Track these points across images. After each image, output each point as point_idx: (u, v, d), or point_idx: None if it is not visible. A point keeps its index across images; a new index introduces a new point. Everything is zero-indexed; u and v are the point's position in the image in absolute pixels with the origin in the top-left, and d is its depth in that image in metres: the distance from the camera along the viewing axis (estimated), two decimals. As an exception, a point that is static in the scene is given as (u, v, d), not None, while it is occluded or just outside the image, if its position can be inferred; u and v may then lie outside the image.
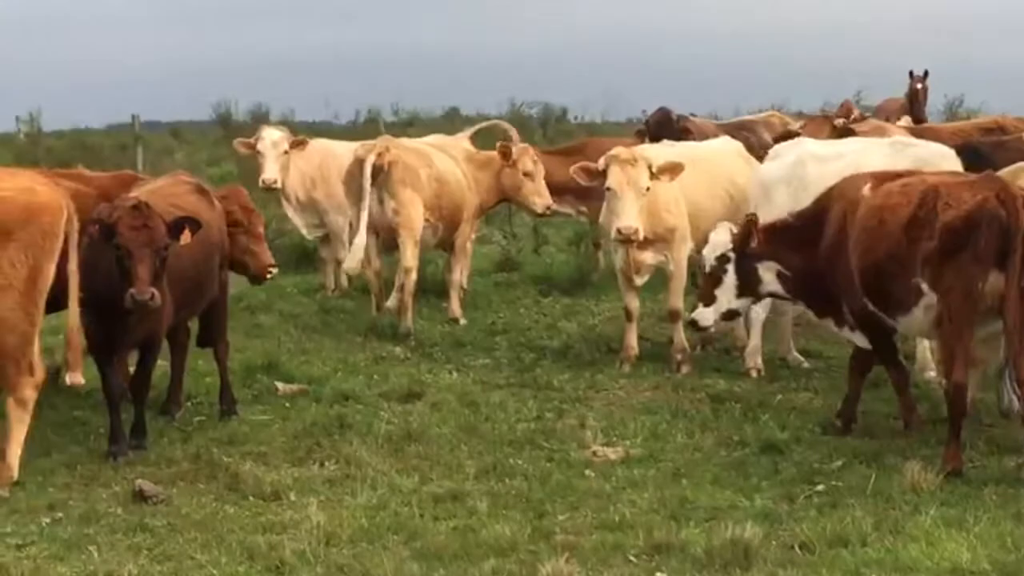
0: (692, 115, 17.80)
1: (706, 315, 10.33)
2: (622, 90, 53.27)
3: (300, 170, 15.94)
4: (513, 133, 15.92)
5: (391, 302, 14.29)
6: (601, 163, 11.77)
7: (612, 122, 36.39)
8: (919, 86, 24.46)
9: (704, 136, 15.77)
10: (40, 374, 9.05)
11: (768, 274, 10.10)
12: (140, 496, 8.83)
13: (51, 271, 8.97)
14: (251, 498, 8.84)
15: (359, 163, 13.67)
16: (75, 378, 9.18)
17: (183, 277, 9.78)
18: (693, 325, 10.57)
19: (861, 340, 9.85)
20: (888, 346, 9.85)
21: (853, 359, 10.16)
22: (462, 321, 14.26)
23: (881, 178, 9.73)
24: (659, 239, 11.89)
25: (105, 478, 9.27)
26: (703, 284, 10.47)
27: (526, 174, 14.39)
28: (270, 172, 15.64)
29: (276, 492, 8.89)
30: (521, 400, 11.20)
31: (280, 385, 11.49)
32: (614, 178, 11.60)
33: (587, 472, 9.26)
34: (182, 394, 10.88)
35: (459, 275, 14.69)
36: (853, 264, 9.48)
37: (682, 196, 12.01)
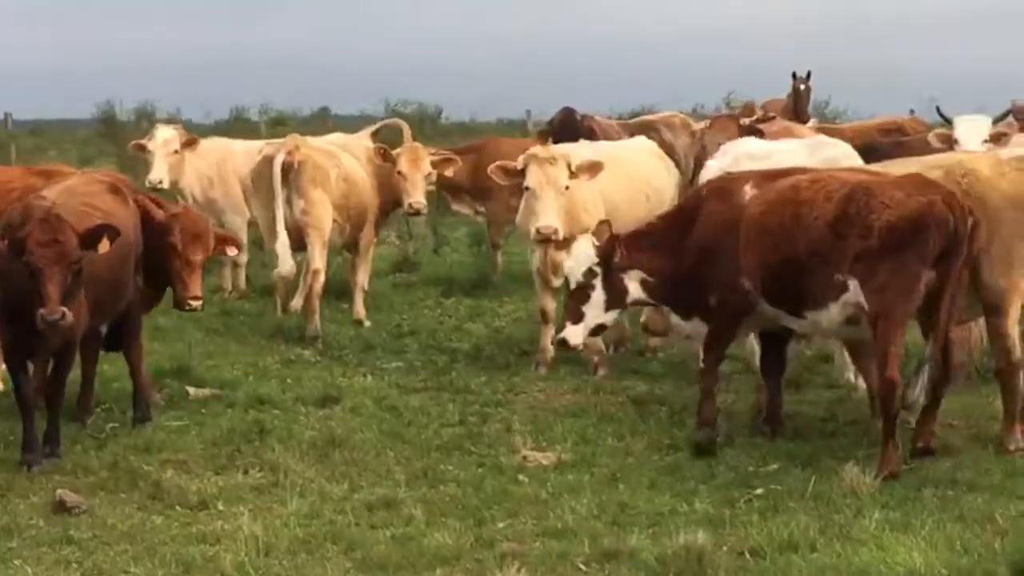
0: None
1: (575, 332, 10.02)
2: (491, 93, 53.08)
3: (197, 169, 15.62)
4: (406, 131, 15.68)
5: (295, 303, 14.01)
6: (520, 162, 11.63)
7: (482, 122, 36.45)
8: (802, 87, 24.63)
9: (608, 136, 15.71)
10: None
11: (633, 283, 9.97)
12: (61, 507, 8.52)
13: None
14: (177, 508, 8.58)
15: (268, 161, 13.41)
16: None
17: (98, 282, 9.43)
18: (563, 344, 10.18)
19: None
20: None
21: (762, 362, 10.13)
22: (367, 323, 14.07)
23: (764, 177, 9.73)
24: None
25: (21, 488, 8.95)
26: (570, 301, 10.06)
27: (399, 173, 14.08)
28: (157, 172, 15.29)
29: (203, 501, 8.65)
30: (441, 404, 11.02)
31: (191, 390, 11.22)
32: (533, 177, 11.46)
33: (520, 477, 9.11)
34: (92, 400, 10.54)
35: (363, 277, 14.45)
36: (747, 262, 9.40)
37: (599, 196, 11.89)
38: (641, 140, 13.78)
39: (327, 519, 8.33)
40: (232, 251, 11.46)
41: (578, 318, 9.76)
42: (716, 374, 9.92)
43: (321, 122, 36.09)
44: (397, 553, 7.67)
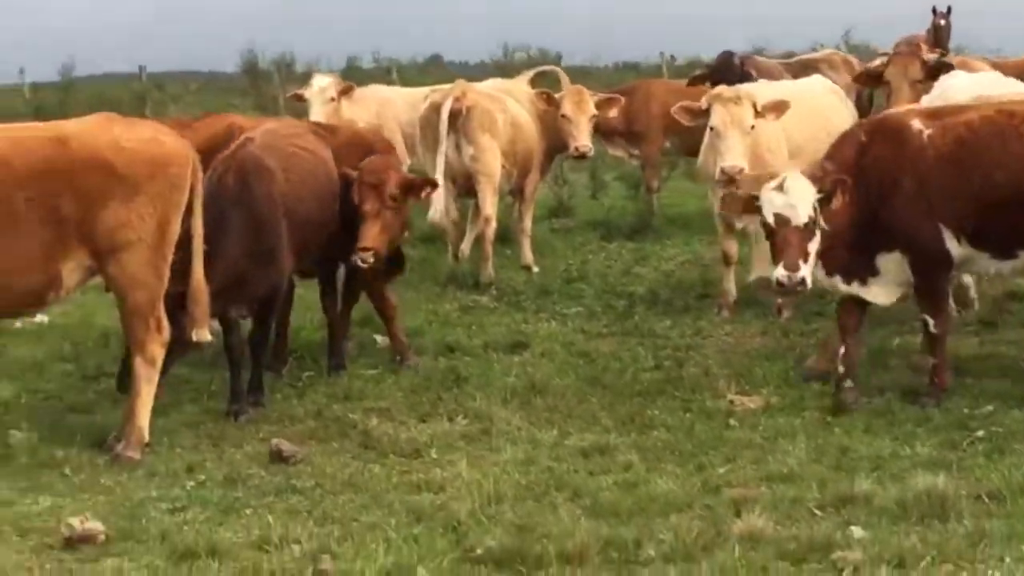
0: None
1: (804, 271, 8.93)
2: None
3: (355, 117, 15.57)
4: (564, 77, 15.53)
5: (464, 249, 13.99)
6: (703, 102, 11.46)
7: (600, 67, 36.21)
8: (942, 22, 24.05)
9: (770, 77, 15.42)
10: (167, 332, 8.73)
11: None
12: (279, 456, 8.56)
13: (178, 225, 8.66)
14: (391, 456, 8.58)
15: (435, 108, 13.36)
16: (201, 335, 8.83)
17: (305, 225, 9.53)
18: (786, 284, 9.01)
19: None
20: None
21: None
22: (535, 268, 14.00)
23: (930, 114, 9.48)
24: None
25: (234, 438, 9.02)
26: (793, 238, 8.93)
27: (564, 116, 13.97)
28: (315, 120, 15.26)
29: (416, 449, 8.67)
30: (631, 349, 10.95)
31: (378, 338, 11.20)
32: (718, 117, 11.29)
33: (731, 422, 9.01)
34: (287, 349, 10.58)
35: (529, 222, 14.39)
36: (942, 204, 9.13)
37: (783, 136, 11.71)
38: (817, 79, 13.56)
39: (544, 466, 8.30)
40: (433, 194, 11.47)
41: (805, 256, 8.97)
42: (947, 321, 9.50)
43: (435, 69, 36.12)
44: (625, 500, 7.60)
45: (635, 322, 11.79)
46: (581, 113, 14.00)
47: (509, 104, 13.85)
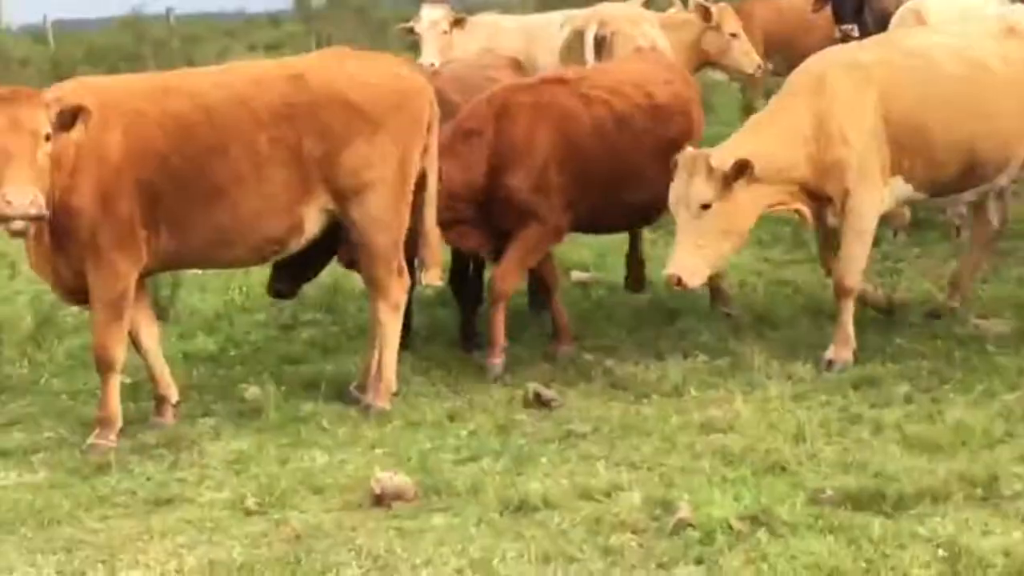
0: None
1: None
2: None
3: (466, 50, 15.16)
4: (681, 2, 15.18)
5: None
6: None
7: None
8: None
9: (892, -8, 15.02)
10: (407, 277, 8.43)
11: None
12: (538, 400, 8.28)
13: (418, 163, 8.31)
14: (653, 396, 8.30)
15: (579, 35, 12.98)
16: (431, 278, 8.54)
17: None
18: None
19: None
20: None
21: None
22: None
23: None
24: None
25: (471, 384, 8.72)
26: None
27: (732, 34, 13.69)
28: (428, 54, 14.79)
29: (675, 388, 8.40)
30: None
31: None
32: None
33: (988, 347, 8.76)
34: None
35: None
36: None
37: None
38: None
39: (820, 400, 8.10)
40: None
41: None
42: None
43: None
44: (935, 433, 7.35)
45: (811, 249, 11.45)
46: (743, 29, 13.77)
47: (646, 28, 13.47)
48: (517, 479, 7.09)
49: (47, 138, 7.32)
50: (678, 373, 8.60)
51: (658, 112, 9.16)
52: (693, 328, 9.49)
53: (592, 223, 9.38)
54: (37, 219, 7.25)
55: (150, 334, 8.24)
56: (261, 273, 10.37)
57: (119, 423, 7.97)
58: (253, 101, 7.97)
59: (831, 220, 8.71)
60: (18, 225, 7.25)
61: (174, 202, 7.79)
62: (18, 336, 9.81)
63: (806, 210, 8.61)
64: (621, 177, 8.94)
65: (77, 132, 7.44)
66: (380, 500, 6.88)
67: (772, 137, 8.47)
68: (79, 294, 7.92)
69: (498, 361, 8.82)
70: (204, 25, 35.41)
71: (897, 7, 14.69)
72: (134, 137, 7.72)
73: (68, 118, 7.39)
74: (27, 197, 7.12)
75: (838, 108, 8.47)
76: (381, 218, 8.21)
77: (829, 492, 6.58)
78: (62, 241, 7.72)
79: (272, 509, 6.88)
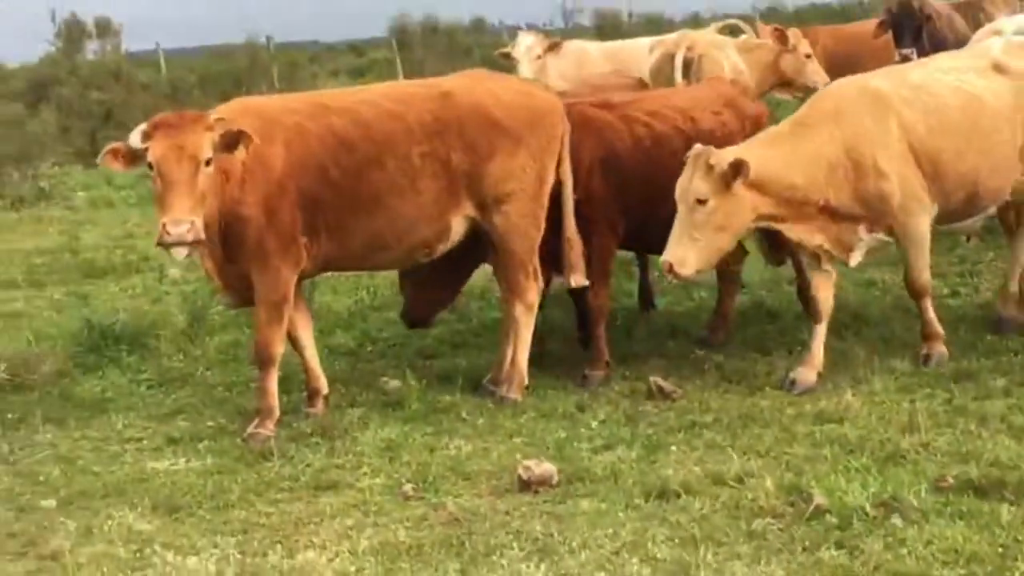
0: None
1: None
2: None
3: (562, 74, 14.95)
4: (760, 27, 14.91)
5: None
6: None
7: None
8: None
9: (950, 20, 14.71)
10: (541, 279, 8.22)
11: None
12: (660, 393, 8.04)
13: (553, 175, 8.12)
14: (766, 389, 8.02)
15: (669, 58, 12.79)
16: (578, 279, 8.31)
17: None
18: None
19: None
20: None
21: None
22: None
23: None
24: None
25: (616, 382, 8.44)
26: None
27: (807, 56, 13.42)
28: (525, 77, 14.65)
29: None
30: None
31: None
32: None
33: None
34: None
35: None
36: None
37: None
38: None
39: (924, 393, 7.78)
40: None
41: None
42: None
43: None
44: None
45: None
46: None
47: (729, 52, 13.25)
48: (651, 466, 6.85)
49: (208, 163, 7.14)
50: (786, 367, 8.32)
51: (699, 138, 8.51)
52: (793, 326, 9.19)
53: (636, 239, 8.90)
54: (195, 244, 7.10)
55: (306, 332, 8.07)
56: (386, 276, 10.26)
57: (277, 413, 7.78)
58: (406, 117, 7.79)
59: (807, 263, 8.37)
60: (179, 252, 7.12)
61: (334, 210, 7.62)
62: (172, 332, 9.63)
63: (794, 237, 8.10)
64: (660, 196, 8.34)
65: (240, 153, 7.26)
66: (527, 485, 6.67)
67: (789, 154, 7.93)
68: (245, 296, 7.73)
69: (600, 373, 8.44)
70: (297, 53, 35.21)
71: (953, 32, 14.43)
72: (296, 151, 7.55)
73: (232, 140, 7.22)
74: (183, 226, 6.97)
75: (863, 139, 8.01)
76: (520, 225, 8.01)
77: (951, 480, 6.30)
78: (232, 248, 7.55)
79: (428, 494, 6.67)
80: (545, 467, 6.75)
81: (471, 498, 6.62)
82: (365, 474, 7.05)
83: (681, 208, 7.79)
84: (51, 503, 6.86)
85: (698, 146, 7.83)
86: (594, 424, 7.62)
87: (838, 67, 15.21)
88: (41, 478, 7.24)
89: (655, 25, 31.72)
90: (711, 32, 14.74)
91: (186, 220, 6.99)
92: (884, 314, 9.36)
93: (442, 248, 8.06)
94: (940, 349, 8.31)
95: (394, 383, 8.44)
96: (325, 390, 8.11)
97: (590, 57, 15.12)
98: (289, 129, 7.57)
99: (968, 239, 11.20)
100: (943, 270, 10.32)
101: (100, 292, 11.60)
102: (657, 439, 7.28)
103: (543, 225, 8.09)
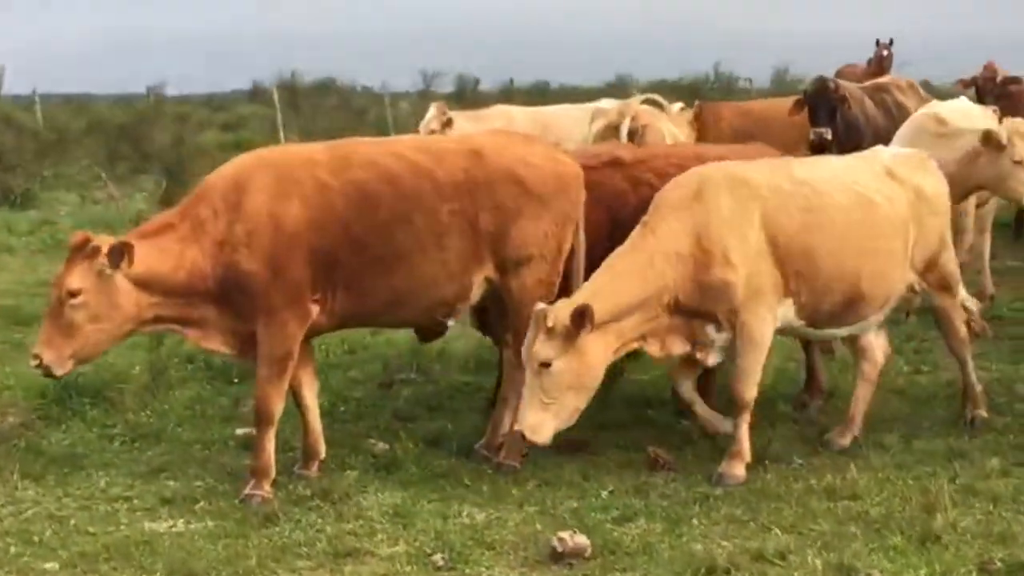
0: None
1: None
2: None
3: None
4: (663, 103, 14.86)
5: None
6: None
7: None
8: (885, 52, 23.79)
9: (861, 102, 14.82)
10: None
11: None
12: (659, 463, 7.77)
13: (571, 242, 7.84)
14: (766, 462, 7.77)
15: (613, 128, 12.63)
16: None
17: None
18: None
19: None
20: None
21: None
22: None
23: None
24: None
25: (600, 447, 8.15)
26: None
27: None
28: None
29: (781, 455, 7.86)
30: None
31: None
32: None
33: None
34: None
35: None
36: None
37: None
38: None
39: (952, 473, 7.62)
40: None
41: None
42: None
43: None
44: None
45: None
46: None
47: (665, 125, 13.18)
48: (679, 540, 6.58)
49: (76, 294, 6.96)
50: (779, 439, 8.12)
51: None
52: (772, 398, 8.99)
53: None
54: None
55: (311, 392, 7.64)
56: (338, 334, 9.83)
57: (272, 474, 7.32)
58: (435, 173, 7.45)
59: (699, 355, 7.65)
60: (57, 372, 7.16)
61: (354, 267, 7.22)
62: (135, 385, 9.08)
63: (666, 350, 7.53)
64: None
65: (125, 267, 6.95)
66: (560, 557, 6.33)
67: (630, 270, 7.30)
68: (249, 353, 7.29)
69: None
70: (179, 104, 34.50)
71: (864, 115, 14.56)
72: (315, 208, 7.15)
73: (118, 254, 6.93)
74: (34, 360, 7.08)
75: (717, 226, 7.42)
76: (534, 291, 7.67)
77: (998, 563, 6.12)
78: (235, 302, 7.11)
79: (459, 564, 6.30)
80: (579, 539, 6.44)
81: (504, 569, 6.28)
82: (382, 541, 6.65)
83: (527, 370, 7.13)
84: (54, 566, 6.34)
85: (539, 305, 7.18)
86: (604, 494, 7.31)
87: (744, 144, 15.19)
88: (35, 538, 6.69)
89: (506, 94, 31.80)
90: (636, 103, 14.68)
91: (34, 353, 7.05)
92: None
93: (462, 308, 7.71)
94: (738, 472, 7.50)
95: (382, 445, 8.04)
96: (323, 454, 7.67)
97: (516, 122, 14.97)
98: (307, 185, 7.17)
99: (908, 315, 11.15)
100: (896, 346, 10.22)
101: (34, 340, 10.89)
102: (675, 512, 7.00)
103: (556, 292, 7.78)
